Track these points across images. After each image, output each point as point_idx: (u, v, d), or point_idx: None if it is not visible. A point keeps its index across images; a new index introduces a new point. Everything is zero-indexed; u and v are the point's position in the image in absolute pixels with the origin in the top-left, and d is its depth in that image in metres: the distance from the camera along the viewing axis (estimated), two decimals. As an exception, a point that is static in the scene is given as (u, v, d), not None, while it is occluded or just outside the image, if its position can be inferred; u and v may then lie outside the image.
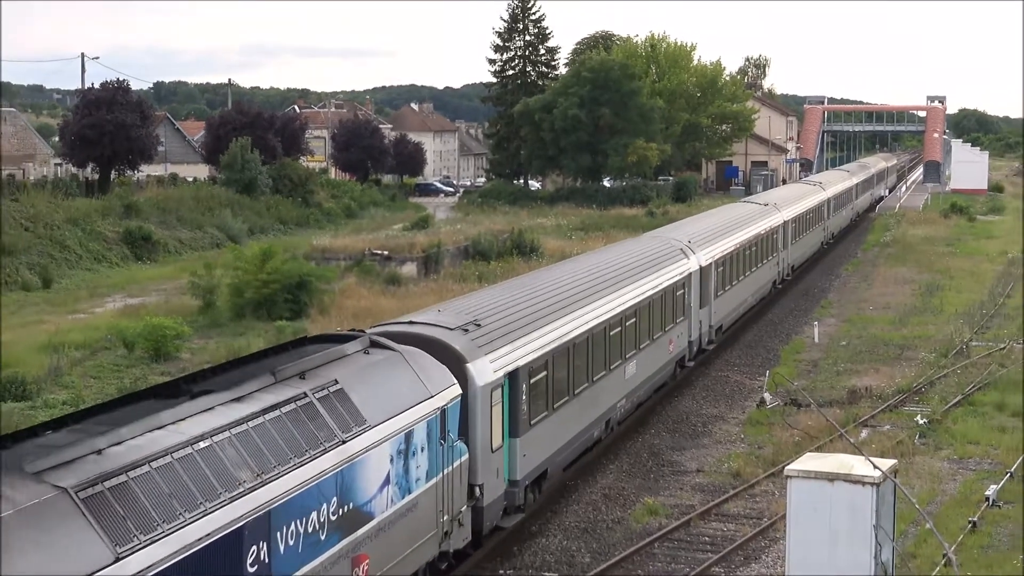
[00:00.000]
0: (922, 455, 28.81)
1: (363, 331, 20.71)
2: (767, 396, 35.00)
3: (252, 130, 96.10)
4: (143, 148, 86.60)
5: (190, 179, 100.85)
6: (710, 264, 39.02)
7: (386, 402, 17.94)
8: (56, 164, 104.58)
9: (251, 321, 45.95)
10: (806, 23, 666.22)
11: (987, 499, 24.89)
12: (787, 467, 17.78)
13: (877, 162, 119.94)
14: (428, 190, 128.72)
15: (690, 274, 36.77)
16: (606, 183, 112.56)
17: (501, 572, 22.04)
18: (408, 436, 18.16)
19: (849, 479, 16.84)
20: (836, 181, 79.58)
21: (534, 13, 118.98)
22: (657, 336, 32.95)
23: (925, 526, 21.96)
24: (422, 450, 18.63)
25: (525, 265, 56.44)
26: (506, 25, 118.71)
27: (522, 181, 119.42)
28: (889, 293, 56.53)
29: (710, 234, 42.24)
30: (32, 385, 34.57)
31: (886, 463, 17.80)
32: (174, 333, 40.72)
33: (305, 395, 16.40)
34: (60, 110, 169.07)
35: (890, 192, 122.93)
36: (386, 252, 61.08)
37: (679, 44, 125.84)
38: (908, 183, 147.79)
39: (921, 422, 31.38)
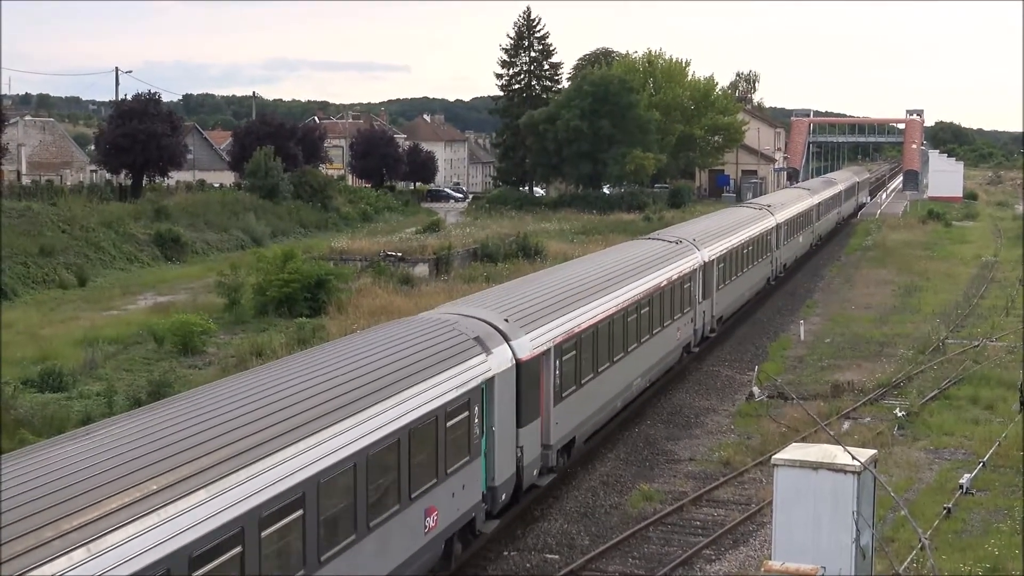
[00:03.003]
0: (901, 445, 28.77)
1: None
2: (756, 390, 34.96)
3: (275, 139, 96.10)
4: (173, 156, 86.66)
5: (217, 185, 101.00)
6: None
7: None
8: (91, 171, 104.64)
9: (273, 318, 45.91)
10: (793, 41, 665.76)
11: (961, 487, 24.87)
12: (774, 456, 17.73)
13: (847, 177, 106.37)
14: (439, 196, 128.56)
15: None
16: (606, 190, 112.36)
17: (506, 553, 22.01)
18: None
19: (832, 468, 16.80)
20: (788, 202, 64.55)
21: (539, 31, 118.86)
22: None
23: (902, 513, 21.91)
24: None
25: (530, 266, 56.34)
26: (512, 42, 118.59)
27: (527, 188, 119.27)
28: (870, 294, 56.42)
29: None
30: (68, 377, 34.57)
31: (866, 453, 17.76)
32: (201, 329, 40.70)
33: None
34: (95, 120, 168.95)
35: (860, 210, 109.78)
36: (400, 254, 61.03)
37: (675, 60, 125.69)
38: (888, 191, 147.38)
39: (900, 415, 31.34)
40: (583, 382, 25.95)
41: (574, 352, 25.17)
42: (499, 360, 21.15)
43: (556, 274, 30.21)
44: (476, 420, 20.12)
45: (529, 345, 22.38)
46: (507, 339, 21.83)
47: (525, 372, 22.05)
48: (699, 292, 38.29)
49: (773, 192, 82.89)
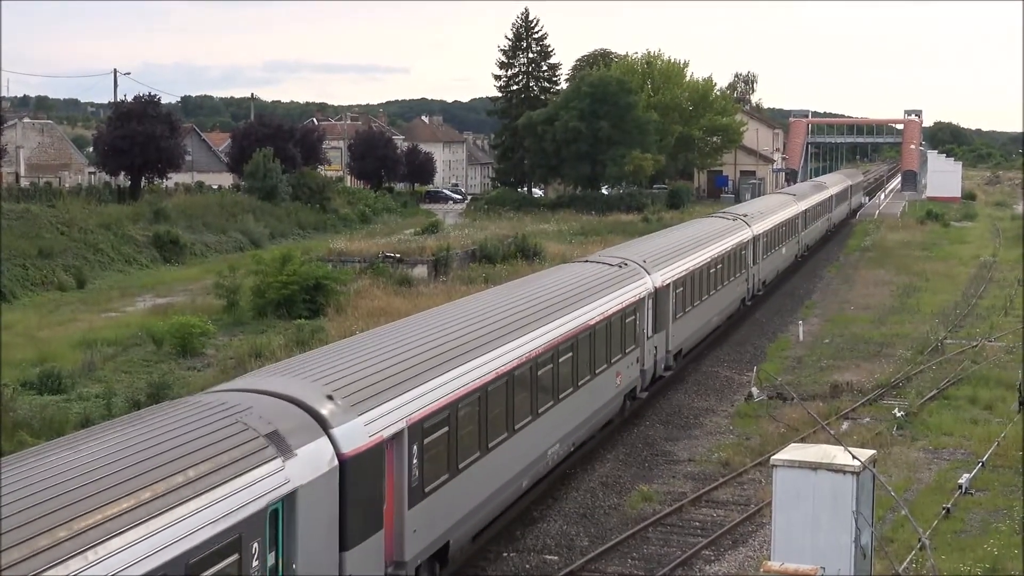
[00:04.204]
0: (900, 446, 28.76)
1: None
2: (755, 390, 34.94)
3: (273, 141, 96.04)
4: (171, 158, 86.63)
5: (215, 187, 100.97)
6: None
7: None
8: (90, 172, 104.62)
9: (272, 320, 45.88)
10: (791, 42, 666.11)
11: (960, 487, 24.87)
12: (773, 457, 17.73)
13: (839, 181, 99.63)
14: (438, 197, 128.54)
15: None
16: (604, 191, 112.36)
17: (505, 554, 21.99)
18: None
19: (831, 468, 16.81)
20: (768, 211, 58.25)
21: (537, 32, 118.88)
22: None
23: (901, 513, 21.92)
24: None
25: (528, 267, 56.32)
26: (511, 43, 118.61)
27: (526, 189, 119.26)
28: (869, 294, 56.42)
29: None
30: (67, 379, 34.54)
31: (866, 453, 17.77)
32: (200, 331, 40.67)
33: None
34: (94, 122, 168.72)
35: (855, 215, 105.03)
36: (398, 255, 61.00)
37: (673, 61, 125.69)
38: (887, 191, 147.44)
39: (899, 415, 31.35)
40: (462, 466, 19.53)
41: (445, 429, 18.80)
42: (307, 462, 14.84)
43: (435, 319, 23.00)
44: (255, 563, 13.62)
45: (364, 431, 16.19)
46: (326, 427, 15.54)
47: (354, 471, 15.79)
48: (648, 325, 32.17)
49: (751, 200, 72.88)
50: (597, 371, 27.33)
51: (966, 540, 21.89)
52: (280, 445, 14.57)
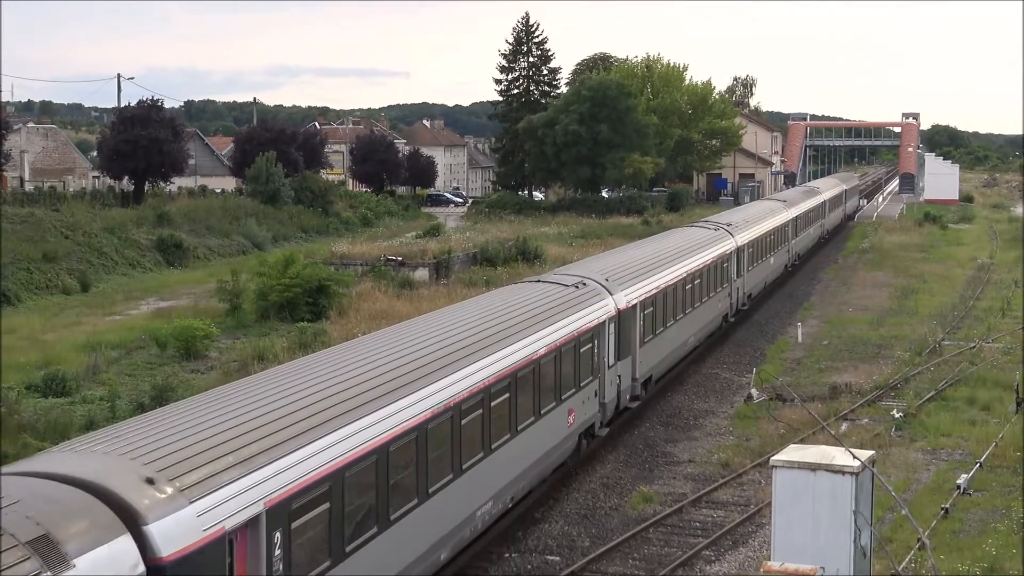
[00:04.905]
0: (898, 446, 28.78)
1: None
2: (754, 392, 34.95)
3: (276, 145, 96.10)
4: (175, 162, 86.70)
5: (218, 190, 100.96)
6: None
7: None
8: (94, 177, 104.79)
9: (275, 323, 45.91)
10: (790, 45, 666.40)
11: (958, 487, 24.88)
12: (772, 458, 17.74)
13: (833, 185, 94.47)
14: (439, 200, 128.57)
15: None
16: (604, 194, 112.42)
17: (507, 555, 22.01)
18: None
19: (830, 469, 16.81)
20: (755, 219, 54.36)
21: (537, 37, 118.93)
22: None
23: (901, 512, 21.93)
24: None
25: (529, 270, 56.33)
26: (511, 48, 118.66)
27: (526, 192, 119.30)
28: (867, 296, 56.43)
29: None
30: (72, 382, 34.55)
31: (864, 454, 17.78)
32: (203, 334, 40.69)
33: None
34: (98, 126, 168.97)
35: (850, 220, 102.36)
36: (400, 258, 61.07)
37: (672, 65, 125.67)
38: (885, 194, 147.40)
39: (897, 416, 31.36)
40: (350, 549, 15.71)
41: (325, 507, 15.04)
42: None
43: (326, 364, 18.52)
44: None
45: (196, 523, 12.51)
46: (137, 522, 11.86)
47: None
48: (610, 352, 28.33)
49: (736, 208, 67.63)
50: (543, 411, 23.47)
51: (964, 540, 21.91)
52: (49, 556, 10.79)
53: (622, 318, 29.10)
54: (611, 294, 28.97)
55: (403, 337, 21.07)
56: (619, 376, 29.21)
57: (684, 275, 36.59)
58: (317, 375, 17.46)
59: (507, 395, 21.43)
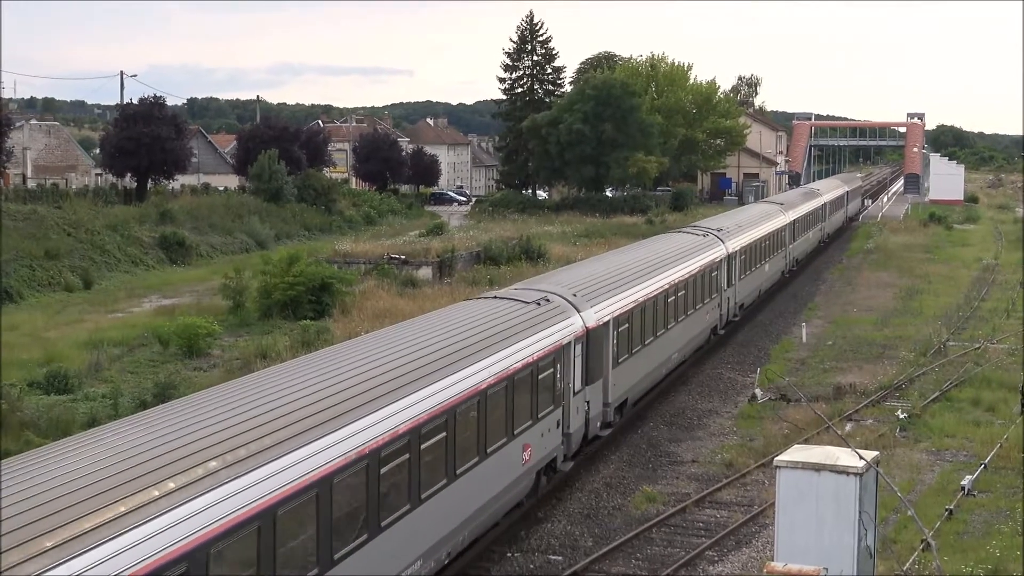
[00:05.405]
0: (902, 447, 28.76)
1: None
2: (758, 392, 34.93)
3: (279, 143, 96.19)
4: (177, 159, 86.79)
5: (221, 188, 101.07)
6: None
7: None
8: (97, 174, 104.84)
9: (277, 321, 45.93)
10: (795, 45, 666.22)
11: (963, 488, 24.87)
12: (776, 458, 17.71)
13: (834, 187, 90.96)
14: (443, 199, 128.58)
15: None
16: (608, 193, 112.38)
17: (509, 554, 22.00)
18: None
19: (834, 469, 16.78)
20: (749, 223, 51.16)
21: (541, 35, 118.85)
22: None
23: (907, 513, 21.90)
24: None
25: (532, 269, 56.30)
26: (515, 46, 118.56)
27: (530, 191, 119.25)
28: (872, 296, 56.39)
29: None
30: (74, 379, 34.59)
31: (868, 454, 17.75)
32: (206, 331, 40.73)
33: None
34: (101, 124, 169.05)
35: (853, 221, 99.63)
36: (403, 256, 61.08)
37: (677, 64, 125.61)
38: (889, 194, 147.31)
39: (902, 416, 31.34)
40: None
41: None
42: None
43: (206, 407, 15.36)
44: None
45: None
46: None
47: None
48: (576, 376, 25.58)
49: (729, 212, 63.67)
50: (490, 450, 20.58)
51: (968, 541, 21.89)
52: None
53: (591, 337, 26.32)
54: (579, 311, 26.14)
55: (312, 370, 17.85)
56: (587, 402, 26.41)
57: (667, 286, 33.76)
58: (184, 422, 14.48)
59: (443, 435, 18.56)
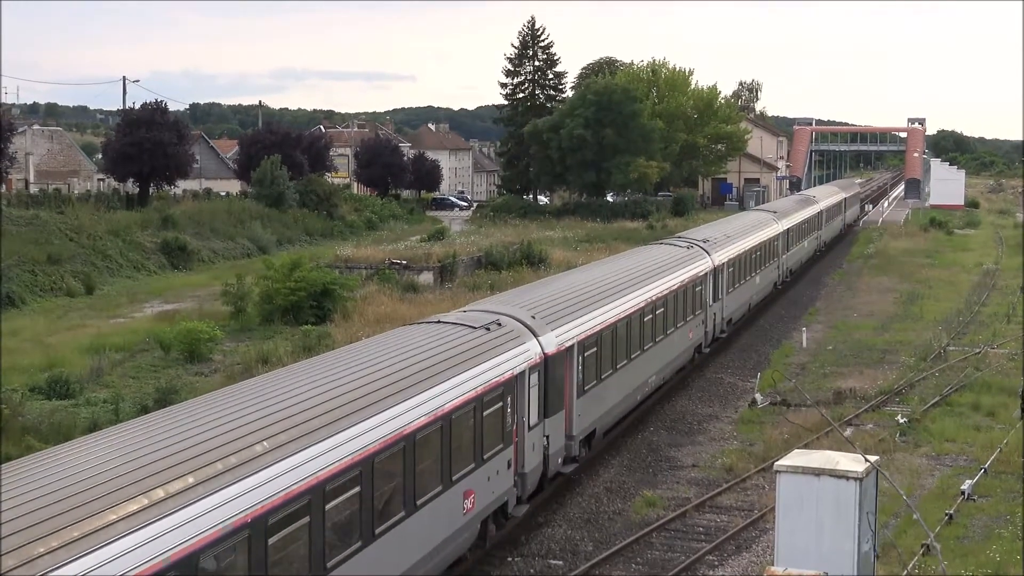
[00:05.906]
0: (903, 452, 28.75)
1: None
2: (758, 397, 34.93)
3: (281, 148, 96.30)
4: (180, 165, 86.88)
5: (223, 193, 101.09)
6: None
7: None
8: (99, 179, 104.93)
9: (279, 326, 45.95)
10: (796, 50, 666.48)
11: (963, 493, 24.85)
12: (776, 463, 17.72)
13: (831, 194, 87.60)
14: (444, 204, 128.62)
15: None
16: (609, 198, 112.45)
17: (509, 559, 22.00)
18: None
19: (834, 474, 16.79)
20: (738, 234, 48.18)
21: (543, 41, 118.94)
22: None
23: (910, 516, 21.90)
24: None
25: (534, 274, 56.30)
26: (517, 52, 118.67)
27: (531, 196, 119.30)
28: (872, 301, 56.36)
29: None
30: (75, 384, 34.61)
31: (870, 458, 17.76)
32: (207, 337, 40.75)
33: None
34: (103, 129, 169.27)
35: (851, 227, 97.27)
36: (405, 262, 61.09)
37: (678, 69, 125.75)
38: (890, 199, 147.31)
39: (902, 421, 31.34)
40: None
41: None
42: None
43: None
44: None
45: None
46: None
47: None
48: (531, 410, 22.96)
49: (716, 221, 60.21)
50: (420, 503, 17.95)
51: (969, 546, 21.88)
52: None
53: (550, 364, 23.60)
54: (536, 335, 23.39)
55: (205, 412, 15.29)
56: (547, 437, 23.81)
57: (643, 304, 31.07)
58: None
59: (357, 488, 15.83)
